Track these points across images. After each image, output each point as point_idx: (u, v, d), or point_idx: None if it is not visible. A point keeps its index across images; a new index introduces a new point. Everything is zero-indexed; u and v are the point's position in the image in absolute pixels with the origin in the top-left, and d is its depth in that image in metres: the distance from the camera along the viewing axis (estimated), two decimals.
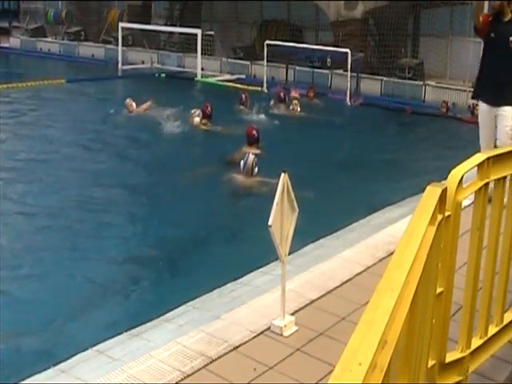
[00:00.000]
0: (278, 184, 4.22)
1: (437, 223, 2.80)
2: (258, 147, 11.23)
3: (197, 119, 13.72)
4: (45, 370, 4.16)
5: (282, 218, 4.37)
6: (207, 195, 9.12)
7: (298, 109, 15.41)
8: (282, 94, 16.58)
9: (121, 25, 23.44)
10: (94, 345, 4.53)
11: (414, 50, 20.64)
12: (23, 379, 4.16)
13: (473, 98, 8.31)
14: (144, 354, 4.24)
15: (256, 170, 9.64)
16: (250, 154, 9.74)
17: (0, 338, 5.25)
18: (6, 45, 28.43)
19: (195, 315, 4.92)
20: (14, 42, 29.03)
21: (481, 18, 6.76)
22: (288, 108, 15.77)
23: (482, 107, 7.01)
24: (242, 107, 15.73)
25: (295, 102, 15.65)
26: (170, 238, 7.57)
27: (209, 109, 14.24)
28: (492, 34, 6.69)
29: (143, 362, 4.09)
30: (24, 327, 5.56)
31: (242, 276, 5.59)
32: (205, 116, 14.12)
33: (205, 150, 12.28)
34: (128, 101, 15.01)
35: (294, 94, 17.38)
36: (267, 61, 19.31)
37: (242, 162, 9.58)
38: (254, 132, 11.34)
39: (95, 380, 3.89)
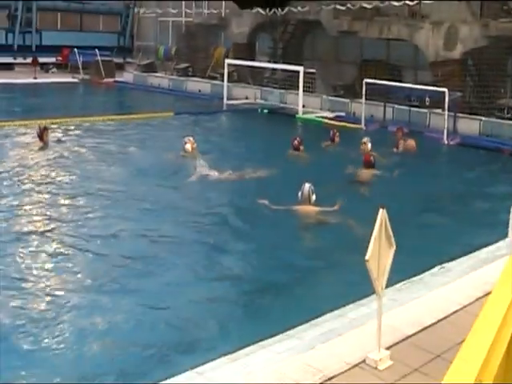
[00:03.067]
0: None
1: None
2: (376, 169, 12.70)
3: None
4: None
5: (380, 253, 4.47)
6: (275, 229, 9.24)
7: (369, 146, 14.62)
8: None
9: (226, 61, 24.29)
10: (195, 367, 4.75)
11: None
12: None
13: None
14: (242, 379, 4.44)
15: (314, 197, 9.75)
16: (306, 184, 9.89)
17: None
18: (121, 79, 30.18)
19: (292, 344, 5.06)
20: (128, 76, 30.72)
21: None
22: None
23: None
24: (329, 143, 15.83)
25: (364, 144, 14.83)
26: (261, 271, 7.65)
27: (296, 141, 14.57)
28: None
29: None
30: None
31: (338, 308, 5.70)
32: (294, 148, 14.50)
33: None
34: (189, 139, 13.82)
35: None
36: (366, 99, 19.44)
37: (299, 193, 9.82)
38: (371, 158, 12.87)
39: None
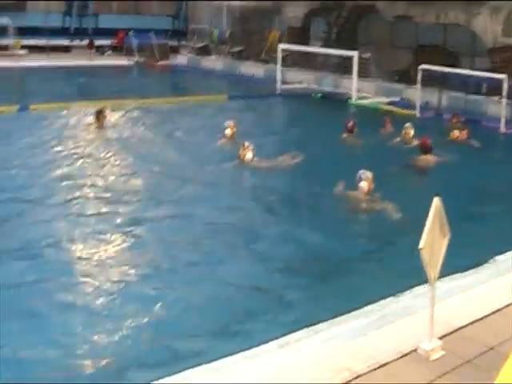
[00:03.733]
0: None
1: None
2: (434, 155, 12.44)
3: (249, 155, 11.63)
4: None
5: (433, 242, 4.44)
6: (327, 215, 9.22)
7: (411, 132, 14.22)
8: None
9: (280, 46, 24.20)
10: (243, 350, 4.84)
11: None
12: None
13: None
14: (292, 363, 4.47)
15: (362, 184, 9.53)
16: (361, 170, 9.70)
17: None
18: (175, 62, 30.45)
19: (343, 330, 5.10)
20: (182, 59, 30.93)
21: None
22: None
23: None
24: (382, 129, 15.54)
25: (406, 129, 14.21)
26: (310, 257, 7.60)
27: (350, 124, 14.41)
28: None
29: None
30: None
31: (390, 296, 5.69)
32: (348, 131, 14.36)
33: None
34: (229, 123, 13.56)
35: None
36: (421, 85, 19.10)
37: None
38: (429, 142, 12.59)
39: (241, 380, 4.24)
